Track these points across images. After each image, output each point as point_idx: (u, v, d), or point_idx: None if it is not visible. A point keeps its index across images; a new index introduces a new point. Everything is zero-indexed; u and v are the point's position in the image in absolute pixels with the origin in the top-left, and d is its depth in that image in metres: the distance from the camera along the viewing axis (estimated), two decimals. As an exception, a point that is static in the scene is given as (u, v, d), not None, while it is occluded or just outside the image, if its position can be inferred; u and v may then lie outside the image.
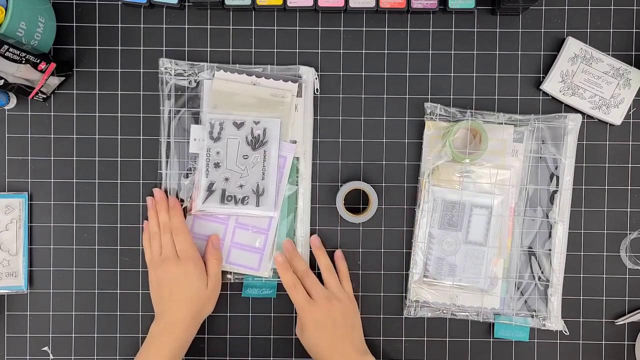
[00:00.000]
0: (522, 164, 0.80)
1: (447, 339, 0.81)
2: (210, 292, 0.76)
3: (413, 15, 0.81)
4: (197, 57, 0.81)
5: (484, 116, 0.80)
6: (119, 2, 0.80)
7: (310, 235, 0.80)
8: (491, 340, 0.81)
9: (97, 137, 0.81)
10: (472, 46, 0.81)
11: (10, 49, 0.68)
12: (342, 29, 0.81)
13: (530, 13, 0.81)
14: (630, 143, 0.81)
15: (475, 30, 0.81)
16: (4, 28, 0.68)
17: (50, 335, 0.81)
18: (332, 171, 0.81)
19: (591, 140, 0.81)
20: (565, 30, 0.81)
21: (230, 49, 0.81)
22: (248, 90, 0.79)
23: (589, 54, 0.80)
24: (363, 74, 0.81)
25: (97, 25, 0.81)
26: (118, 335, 0.81)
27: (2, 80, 0.71)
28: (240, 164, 0.78)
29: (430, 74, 0.81)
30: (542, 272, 0.80)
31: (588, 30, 0.81)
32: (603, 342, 0.81)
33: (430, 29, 0.81)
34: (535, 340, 0.81)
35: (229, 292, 0.81)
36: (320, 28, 0.81)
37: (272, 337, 0.81)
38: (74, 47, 0.81)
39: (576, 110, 0.81)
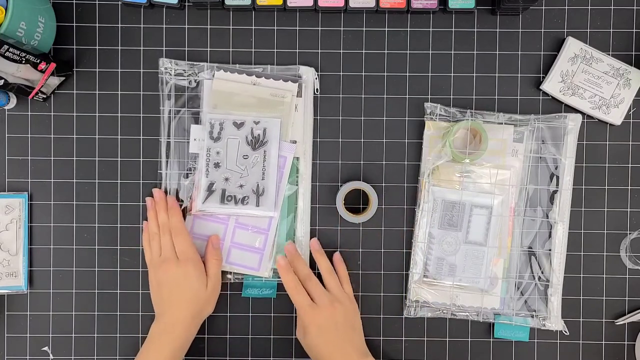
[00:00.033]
0: (522, 164, 0.80)
1: (447, 339, 0.81)
2: (210, 293, 0.76)
3: (413, 15, 0.81)
4: (197, 57, 0.81)
5: (484, 116, 0.80)
6: (119, 2, 0.80)
7: (310, 238, 0.80)
8: (491, 340, 0.81)
9: (97, 137, 0.81)
10: (472, 46, 0.81)
11: (10, 49, 0.68)
12: (342, 29, 0.81)
13: (530, 13, 0.81)
14: (630, 143, 0.81)
15: (475, 30, 0.81)
16: (4, 28, 0.68)
17: (50, 335, 0.81)
18: (332, 171, 0.81)
19: (591, 140, 0.81)
20: (565, 30, 0.81)
21: (230, 49, 0.81)
22: (248, 90, 0.79)
23: (589, 54, 0.80)
24: (363, 74, 0.81)
25: (97, 25, 0.81)
26: (118, 335, 0.81)
27: (2, 80, 0.71)
28: (240, 164, 0.78)
29: (430, 74, 0.81)
30: (542, 272, 0.80)
31: (588, 30, 0.81)
32: (603, 342, 0.81)
33: (430, 29, 0.81)
34: (535, 340, 0.81)
35: (229, 292, 0.81)
36: (320, 28, 0.81)
37: (272, 337, 0.81)
38: (74, 47, 0.81)
39: (576, 110, 0.81)
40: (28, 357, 0.81)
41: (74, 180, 0.81)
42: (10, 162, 0.81)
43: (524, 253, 0.80)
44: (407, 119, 0.81)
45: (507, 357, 0.81)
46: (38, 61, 0.73)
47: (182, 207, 0.79)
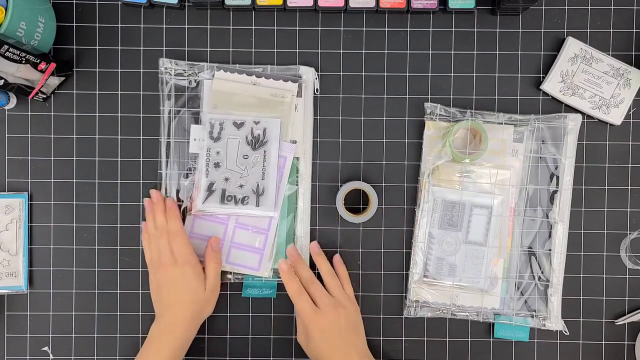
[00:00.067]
0: (522, 164, 0.80)
1: (447, 339, 0.81)
2: (208, 294, 0.75)
3: (413, 15, 0.81)
4: (197, 57, 0.81)
5: (484, 116, 0.80)
6: (119, 2, 0.80)
7: (310, 238, 0.80)
8: (491, 340, 0.81)
9: (97, 137, 0.81)
10: (472, 46, 0.81)
11: (10, 49, 0.68)
12: (342, 29, 0.81)
13: (530, 13, 0.81)
14: (630, 143, 0.81)
15: (475, 30, 0.81)
16: (4, 28, 0.68)
17: (50, 335, 0.81)
18: (332, 171, 0.81)
19: (591, 140, 0.81)
20: (565, 30, 0.81)
21: (230, 49, 0.81)
22: (248, 90, 0.79)
23: (589, 54, 0.80)
24: (363, 74, 0.81)
25: (97, 25, 0.81)
26: (118, 335, 0.81)
27: (2, 80, 0.71)
28: (240, 164, 0.78)
29: (430, 74, 0.81)
30: (542, 272, 0.80)
31: (588, 30, 0.81)
32: (603, 342, 0.81)
33: (430, 29, 0.81)
34: (535, 340, 0.81)
35: (229, 292, 0.81)
36: (320, 28, 0.81)
37: (272, 337, 0.81)
38: (74, 47, 0.81)
39: (576, 110, 0.81)
40: (28, 357, 0.81)
41: (74, 180, 0.81)
42: (10, 162, 0.81)
43: (524, 253, 0.80)
44: (407, 119, 0.81)
45: (507, 357, 0.81)
46: (38, 61, 0.73)
47: (182, 207, 0.79)
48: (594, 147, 0.81)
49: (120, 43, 0.81)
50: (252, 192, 0.78)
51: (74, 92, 0.81)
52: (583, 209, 0.81)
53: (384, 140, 0.81)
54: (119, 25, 0.81)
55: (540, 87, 0.80)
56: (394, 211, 0.81)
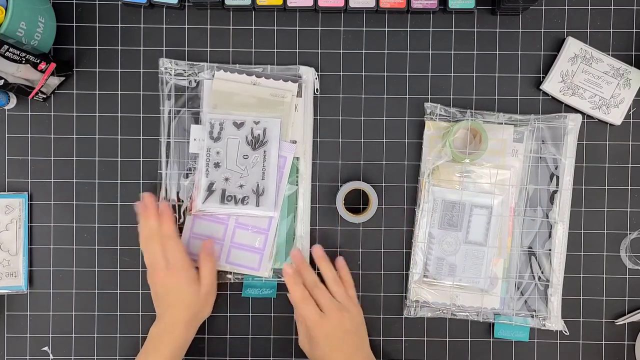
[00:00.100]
0: (522, 164, 0.80)
1: (447, 339, 0.81)
2: (203, 297, 0.75)
3: (413, 15, 0.81)
4: (197, 57, 0.81)
5: (484, 116, 0.80)
6: (119, 2, 0.80)
7: (311, 238, 0.80)
8: (491, 340, 0.81)
9: (97, 137, 0.81)
10: (472, 46, 0.81)
11: (10, 49, 0.68)
12: (342, 29, 0.81)
13: (530, 13, 0.81)
14: (630, 143, 0.81)
15: (475, 30, 0.81)
16: (4, 28, 0.68)
17: (50, 335, 0.81)
18: (332, 171, 0.81)
19: (591, 140, 0.81)
20: (565, 30, 0.81)
21: (230, 49, 0.81)
22: (248, 90, 0.79)
23: (589, 54, 0.80)
24: (363, 74, 0.81)
25: (97, 25, 0.81)
26: (118, 335, 0.81)
27: (2, 80, 0.71)
28: (240, 164, 0.78)
29: (430, 74, 0.81)
30: (542, 272, 0.80)
31: (588, 30, 0.81)
32: (603, 342, 0.81)
33: (430, 29, 0.81)
34: (535, 340, 0.81)
35: (229, 292, 0.81)
36: (320, 28, 0.81)
37: (272, 337, 0.81)
38: (74, 47, 0.81)
39: (576, 110, 0.81)
40: (28, 357, 0.81)
41: (74, 180, 0.81)
42: (10, 162, 0.81)
43: (524, 253, 0.80)
44: (407, 119, 0.81)
45: (507, 357, 0.81)
46: (38, 61, 0.73)
47: (182, 207, 0.79)
48: (594, 147, 0.81)
49: (120, 43, 0.81)
50: (252, 192, 0.78)
51: (74, 92, 0.81)
52: (583, 209, 0.81)
53: (384, 140, 0.81)
54: (119, 25, 0.81)
55: (540, 87, 0.80)
56: (394, 211, 0.81)
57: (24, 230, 0.80)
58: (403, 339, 0.81)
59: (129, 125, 0.81)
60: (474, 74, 0.81)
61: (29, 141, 0.81)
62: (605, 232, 0.81)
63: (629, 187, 0.81)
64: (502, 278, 0.80)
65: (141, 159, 0.81)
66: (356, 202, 0.82)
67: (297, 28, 0.81)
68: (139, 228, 0.77)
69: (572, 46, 0.80)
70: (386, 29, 0.81)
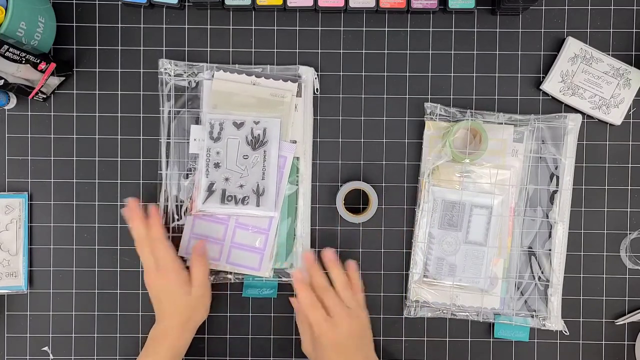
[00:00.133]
0: (522, 164, 0.80)
1: (447, 339, 0.81)
2: (196, 300, 0.74)
3: (413, 15, 0.81)
4: (197, 57, 0.81)
5: (484, 116, 0.80)
6: (119, 2, 0.80)
7: (310, 239, 0.80)
8: (491, 340, 0.81)
9: (97, 137, 0.81)
10: (472, 46, 0.81)
11: (10, 49, 0.68)
12: (342, 29, 0.81)
13: (530, 13, 0.81)
14: (630, 143, 0.81)
15: (475, 30, 0.81)
16: (4, 28, 0.68)
17: (50, 335, 0.81)
18: (332, 171, 0.81)
19: (591, 140, 0.81)
20: (565, 30, 0.81)
21: (230, 49, 0.81)
22: (248, 90, 0.79)
23: (589, 54, 0.80)
24: (363, 74, 0.81)
25: (97, 25, 0.81)
26: (118, 335, 0.81)
27: (2, 80, 0.71)
28: (240, 164, 0.78)
29: (430, 74, 0.81)
30: (542, 272, 0.80)
31: (588, 30, 0.81)
32: (603, 342, 0.81)
33: (430, 29, 0.81)
34: (535, 340, 0.81)
35: (229, 292, 0.81)
36: (320, 28, 0.81)
37: (272, 337, 0.81)
38: (74, 47, 0.81)
39: (576, 110, 0.81)
40: (28, 357, 0.81)
41: (74, 180, 0.81)
42: (10, 162, 0.81)
43: (524, 253, 0.80)
44: (407, 119, 0.81)
45: (507, 357, 0.81)
46: (38, 61, 0.73)
47: (183, 207, 0.79)
48: (594, 147, 0.81)
49: (120, 43, 0.81)
50: (252, 192, 0.78)
51: (74, 92, 0.81)
52: (583, 209, 0.81)
53: (384, 140, 0.81)
54: (119, 25, 0.81)
55: (540, 87, 0.80)
56: (394, 211, 0.81)
57: (24, 230, 0.80)
58: (403, 339, 0.81)
59: (129, 125, 0.81)
60: (474, 74, 0.81)
61: (29, 141, 0.81)
62: (605, 232, 0.81)
63: (629, 187, 0.81)
64: (502, 278, 0.80)
65: (141, 159, 0.81)
66: (356, 202, 0.82)
67: (297, 28, 0.81)
68: (132, 233, 0.76)
69: (572, 46, 0.80)
70: (386, 29, 0.81)
